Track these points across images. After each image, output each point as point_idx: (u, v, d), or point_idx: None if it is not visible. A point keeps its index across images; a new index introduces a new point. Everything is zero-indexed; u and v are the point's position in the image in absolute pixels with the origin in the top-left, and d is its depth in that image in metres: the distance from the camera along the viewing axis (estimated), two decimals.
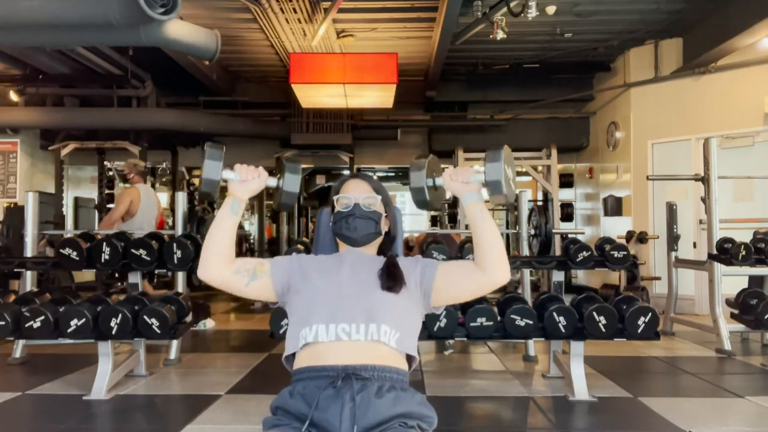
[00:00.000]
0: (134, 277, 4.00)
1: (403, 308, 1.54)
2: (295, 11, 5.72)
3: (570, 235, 4.82)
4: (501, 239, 1.53)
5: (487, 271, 1.51)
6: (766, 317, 4.05)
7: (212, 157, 1.53)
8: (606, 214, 7.98)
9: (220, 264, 1.56)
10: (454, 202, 9.02)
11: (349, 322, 1.46)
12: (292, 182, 1.57)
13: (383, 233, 1.71)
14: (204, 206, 9.92)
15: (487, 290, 1.56)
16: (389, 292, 1.52)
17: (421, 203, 1.57)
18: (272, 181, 1.60)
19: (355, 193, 1.67)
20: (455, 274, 1.58)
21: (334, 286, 1.54)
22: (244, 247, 12.09)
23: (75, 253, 3.66)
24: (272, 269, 1.60)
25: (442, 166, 1.66)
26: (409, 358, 1.54)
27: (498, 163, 1.49)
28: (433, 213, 11.44)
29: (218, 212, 1.58)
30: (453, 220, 9.01)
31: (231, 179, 1.55)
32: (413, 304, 1.57)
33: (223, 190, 1.59)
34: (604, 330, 3.16)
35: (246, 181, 1.55)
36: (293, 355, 1.53)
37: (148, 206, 5.53)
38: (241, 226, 13.62)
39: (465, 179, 1.53)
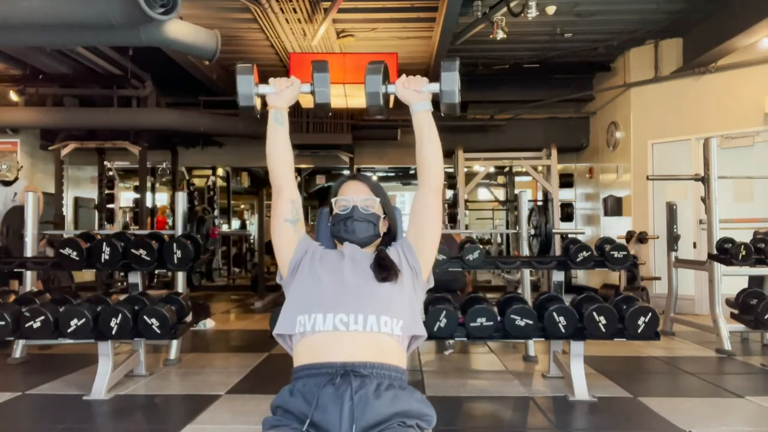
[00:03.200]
0: (134, 277, 4.00)
1: (402, 295, 1.55)
2: (295, 11, 5.72)
3: (570, 235, 4.82)
4: (440, 146, 1.65)
5: (430, 173, 1.62)
6: (766, 317, 4.05)
7: (243, 72, 1.63)
8: (606, 214, 7.98)
9: (286, 166, 1.66)
10: (455, 202, 9.02)
11: (347, 312, 1.47)
12: (322, 81, 1.65)
13: (382, 235, 1.71)
14: (204, 206, 9.96)
15: (437, 198, 1.64)
16: (385, 282, 1.54)
17: (374, 108, 1.66)
18: (305, 87, 1.67)
19: (353, 195, 1.68)
20: (415, 222, 1.65)
21: (336, 279, 1.55)
22: (244, 247, 12.09)
23: (75, 253, 3.65)
24: (301, 239, 1.65)
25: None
26: (414, 339, 1.56)
27: (454, 73, 1.58)
28: None
29: (268, 127, 1.67)
30: (453, 220, 9.01)
31: (267, 93, 1.66)
32: (410, 288, 1.59)
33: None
34: (604, 330, 3.16)
35: (281, 91, 1.65)
36: (290, 336, 1.54)
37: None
38: (242, 226, 13.65)
39: (417, 87, 1.62)
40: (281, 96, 1.66)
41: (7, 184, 5.29)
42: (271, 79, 1.66)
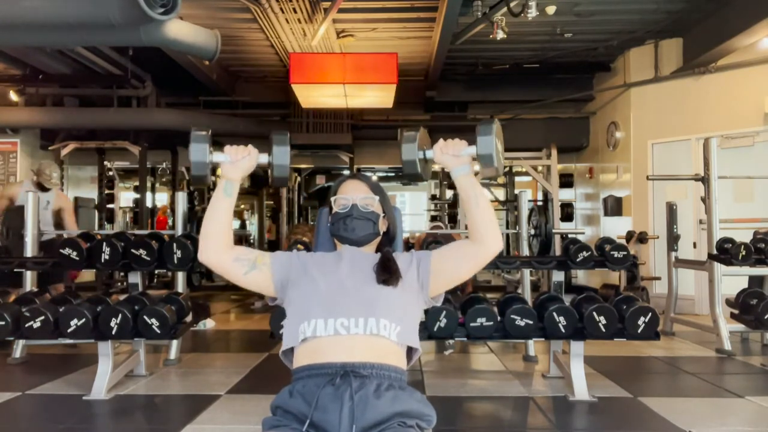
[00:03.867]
0: (134, 277, 4.00)
1: (402, 302, 1.54)
2: (295, 11, 5.72)
3: (570, 235, 4.82)
4: (492, 210, 1.57)
5: (483, 244, 1.54)
6: (766, 317, 4.04)
7: (198, 140, 1.52)
8: (606, 214, 7.98)
9: (219, 247, 1.57)
10: (454, 202, 9.02)
11: (348, 316, 1.46)
12: (282, 155, 1.56)
13: (381, 233, 1.71)
14: (204, 206, 9.94)
15: (485, 262, 1.59)
16: (386, 285, 1.53)
17: (412, 176, 1.59)
18: (263, 158, 1.58)
19: (352, 194, 1.67)
20: (451, 257, 1.60)
21: (333, 282, 1.54)
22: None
23: (75, 253, 3.65)
24: (273, 262, 1.61)
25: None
26: (410, 351, 1.55)
27: (490, 137, 1.51)
28: (432, 212, 11.44)
29: (213, 195, 1.57)
30: (453, 220, 9.01)
31: (222, 161, 1.55)
32: (412, 298, 1.58)
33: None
34: (604, 330, 3.15)
35: (237, 161, 1.54)
36: (291, 350, 1.53)
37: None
38: (242, 226, 13.65)
39: (456, 152, 1.55)
40: (236, 166, 1.54)
41: (45, 189, 5.10)
42: (226, 147, 1.55)
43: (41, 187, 5.07)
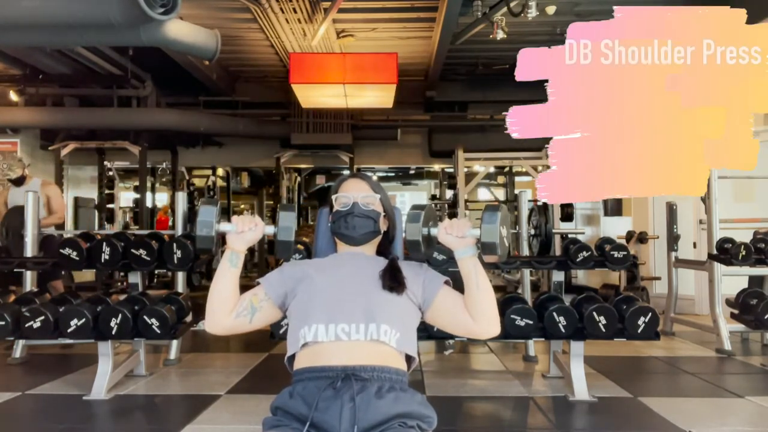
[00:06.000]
0: (134, 277, 4.00)
1: (402, 309, 1.54)
2: (295, 11, 5.72)
3: (570, 235, 4.82)
4: (493, 294, 1.54)
5: (479, 325, 1.53)
6: (766, 317, 4.05)
7: (206, 214, 1.53)
8: (606, 214, 7.98)
9: (224, 315, 1.57)
10: (455, 202, 9.02)
11: (349, 322, 1.46)
12: (286, 232, 1.58)
13: (382, 232, 1.71)
14: None
15: (476, 337, 1.60)
16: (390, 292, 1.52)
17: (414, 252, 1.59)
18: (270, 229, 1.60)
19: (353, 193, 1.67)
20: (450, 310, 1.57)
21: (334, 286, 1.54)
22: None
23: (75, 253, 3.65)
24: (267, 290, 1.60)
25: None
26: (409, 359, 1.54)
27: (494, 225, 1.49)
28: None
29: (219, 266, 1.57)
30: None
31: (228, 231, 1.55)
32: (412, 307, 1.57)
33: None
34: (604, 330, 3.15)
35: (243, 232, 1.55)
36: (294, 356, 1.53)
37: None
38: None
39: (460, 234, 1.52)
40: (242, 238, 1.55)
41: (18, 183, 5.06)
42: (234, 218, 1.56)
43: (16, 183, 5.08)
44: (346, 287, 1.53)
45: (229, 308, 1.57)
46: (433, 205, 1.68)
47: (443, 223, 1.56)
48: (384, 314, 1.48)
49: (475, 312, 1.53)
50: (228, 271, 1.56)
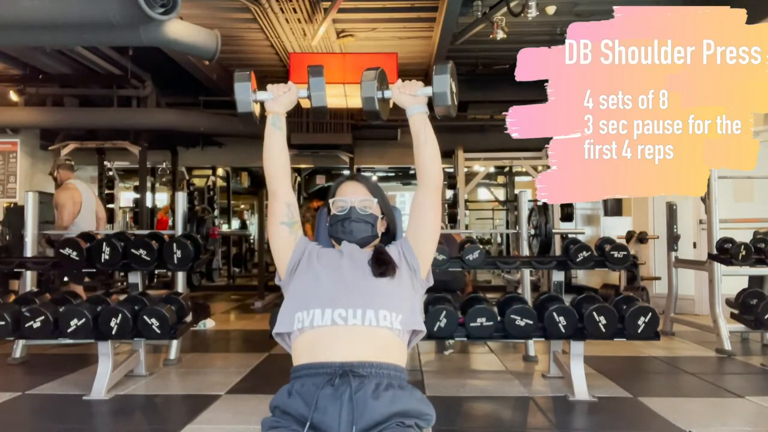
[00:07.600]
0: (134, 277, 4.00)
1: (400, 291, 1.56)
2: (295, 11, 5.72)
3: (570, 235, 4.82)
4: (438, 148, 1.67)
5: (428, 174, 1.65)
6: (766, 317, 4.05)
7: (241, 79, 1.67)
8: (606, 214, 7.98)
9: (282, 168, 1.69)
10: (455, 202, 9.02)
11: (346, 307, 1.47)
12: (318, 85, 1.71)
13: (380, 235, 1.71)
14: (204, 206, 9.96)
15: (437, 197, 1.68)
16: (383, 277, 1.55)
17: (370, 113, 1.69)
18: (303, 92, 1.72)
19: (350, 196, 1.68)
20: (414, 219, 1.66)
21: (334, 275, 1.56)
22: (244, 247, 12.09)
23: (75, 253, 3.66)
24: (299, 240, 1.66)
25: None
26: (416, 333, 1.57)
27: (445, 76, 1.62)
28: None
29: (265, 130, 1.71)
30: (453, 220, 9.01)
31: (265, 99, 1.70)
32: (409, 285, 1.60)
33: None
34: (604, 330, 3.15)
35: (279, 96, 1.69)
36: (288, 335, 1.54)
37: (88, 200, 5.17)
38: (243, 226, 13.65)
39: (412, 92, 1.65)
40: (279, 101, 1.70)
41: (58, 186, 5.16)
42: (269, 86, 1.70)
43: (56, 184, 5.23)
44: (345, 278, 1.55)
45: (284, 165, 1.71)
46: None
47: (396, 84, 1.68)
48: (382, 300, 1.50)
49: (422, 164, 1.65)
50: (275, 133, 1.71)
